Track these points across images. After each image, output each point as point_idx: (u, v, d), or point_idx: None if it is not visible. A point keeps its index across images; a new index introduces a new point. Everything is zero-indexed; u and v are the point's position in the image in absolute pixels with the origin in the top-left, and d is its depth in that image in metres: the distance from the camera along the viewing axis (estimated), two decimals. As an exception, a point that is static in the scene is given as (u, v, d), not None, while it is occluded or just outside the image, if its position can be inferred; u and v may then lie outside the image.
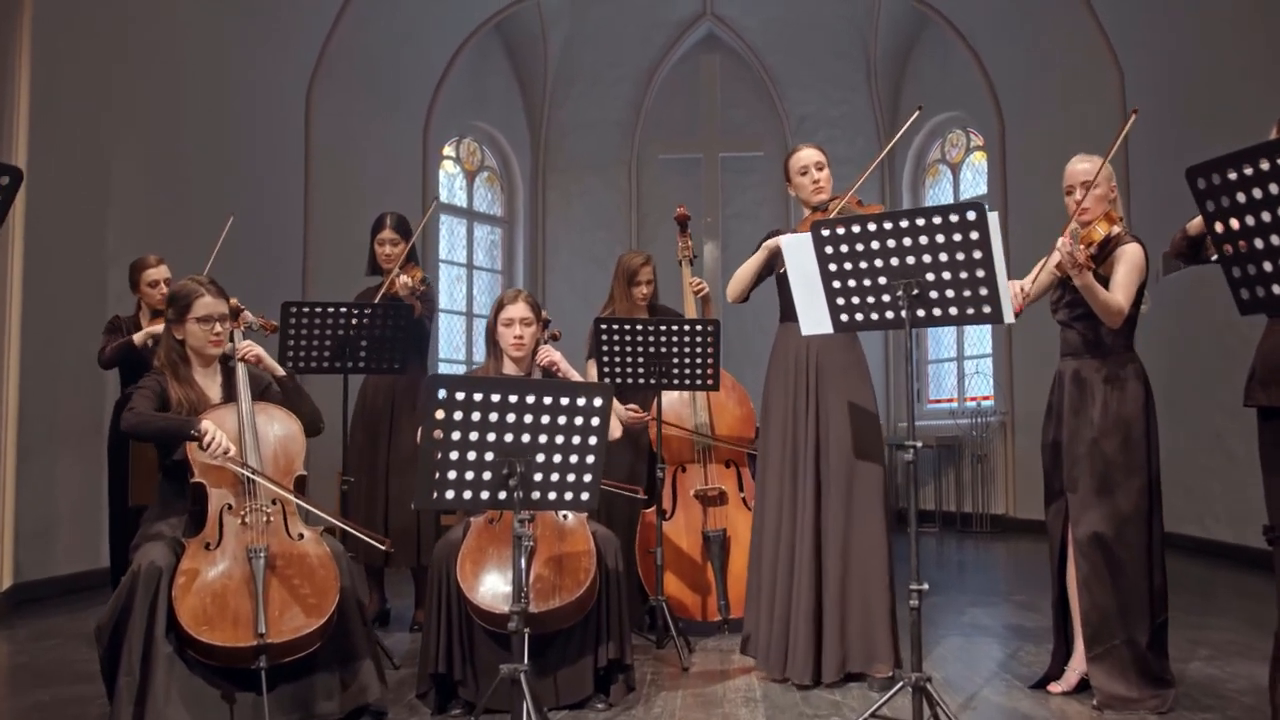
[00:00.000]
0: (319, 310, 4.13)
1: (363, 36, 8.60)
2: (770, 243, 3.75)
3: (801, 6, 9.96)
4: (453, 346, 10.09)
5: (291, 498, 3.12)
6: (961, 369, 10.11)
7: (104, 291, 6.10)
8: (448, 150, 10.15)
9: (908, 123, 4.10)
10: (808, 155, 3.81)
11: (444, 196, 10.07)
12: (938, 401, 10.21)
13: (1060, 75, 8.67)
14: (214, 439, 3.01)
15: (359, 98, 8.74)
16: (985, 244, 2.71)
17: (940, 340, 10.34)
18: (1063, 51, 8.62)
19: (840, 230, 2.87)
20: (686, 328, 4.18)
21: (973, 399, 9.86)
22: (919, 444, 2.87)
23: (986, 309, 2.79)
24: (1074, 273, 3.12)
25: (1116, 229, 3.23)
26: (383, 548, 3.17)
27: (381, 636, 4.54)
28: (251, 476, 3.07)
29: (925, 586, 2.80)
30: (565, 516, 3.41)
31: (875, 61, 10.10)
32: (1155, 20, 7.64)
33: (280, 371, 3.48)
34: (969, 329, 10.00)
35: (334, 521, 3.22)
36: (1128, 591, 3.25)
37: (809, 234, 2.99)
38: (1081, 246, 3.13)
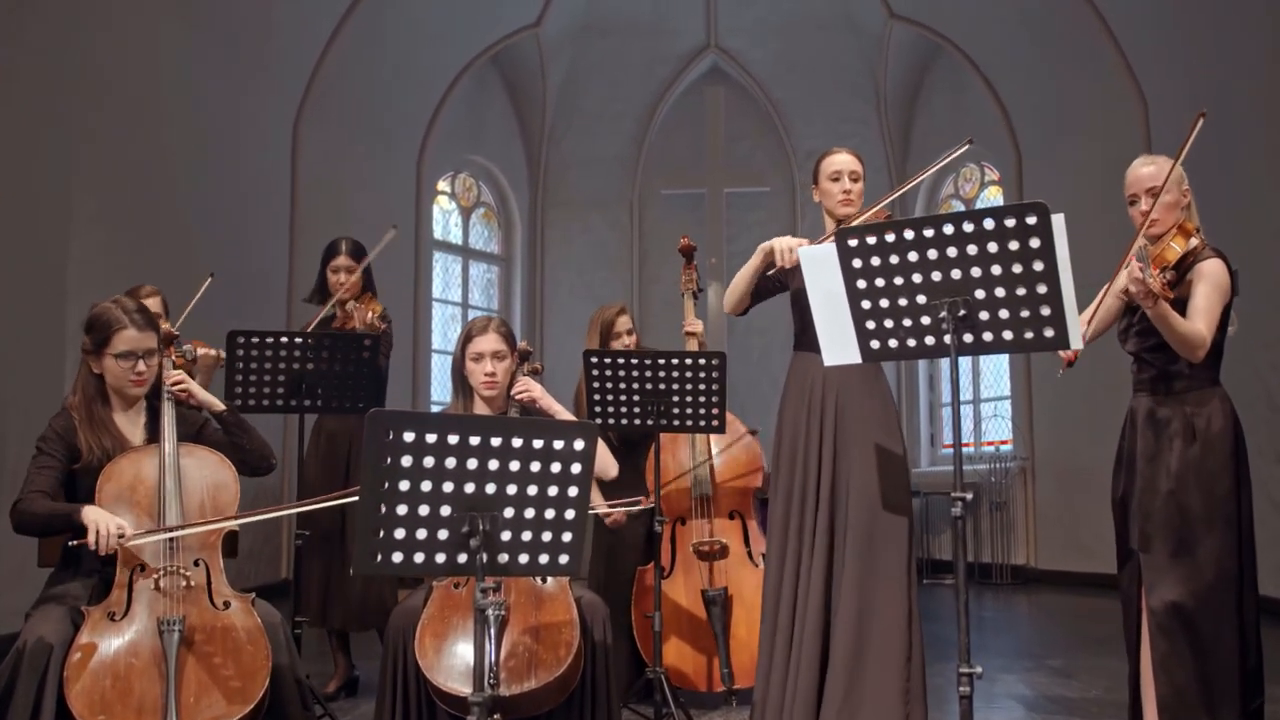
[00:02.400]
0: (270, 341, 3.67)
1: (353, 68, 8.26)
2: (764, 245, 3.34)
3: (808, 38, 9.67)
4: (446, 389, 9.67)
5: (223, 525, 2.66)
6: (978, 411, 9.65)
7: (60, 330, 5.64)
8: (442, 185, 9.82)
9: (956, 152, 3.56)
10: (842, 160, 3.37)
11: (438, 233, 9.75)
12: (953, 446, 9.74)
13: (1080, 106, 8.27)
14: (97, 531, 2.54)
15: (349, 131, 8.36)
16: (1048, 253, 2.24)
17: (955, 381, 9.91)
18: (1083, 81, 8.22)
19: (871, 239, 2.40)
20: (688, 362, 3.75)
21: (990, 443, 9.38)
22: (968, 496, 2.39)
23: (1049, 332, 2.32)
24: (1147, 304, 2.65)
25: (1194, 241, 2.76)
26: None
27: (348, 709, 4.10)
28: (169, 536, 2.60)
29: (979, 670, 2.30)
30: (544, 580, 2.92)
31: (885, 93, 9.78)
32: (1181, 50, 7.25)
33: (218, 406, 3.03)
34: (985, 369, 9.59)
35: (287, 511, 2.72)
36: (1214, 672, 2.74)
37: (833, 244, 2.52)
38: (1155, 271, 2.63)
